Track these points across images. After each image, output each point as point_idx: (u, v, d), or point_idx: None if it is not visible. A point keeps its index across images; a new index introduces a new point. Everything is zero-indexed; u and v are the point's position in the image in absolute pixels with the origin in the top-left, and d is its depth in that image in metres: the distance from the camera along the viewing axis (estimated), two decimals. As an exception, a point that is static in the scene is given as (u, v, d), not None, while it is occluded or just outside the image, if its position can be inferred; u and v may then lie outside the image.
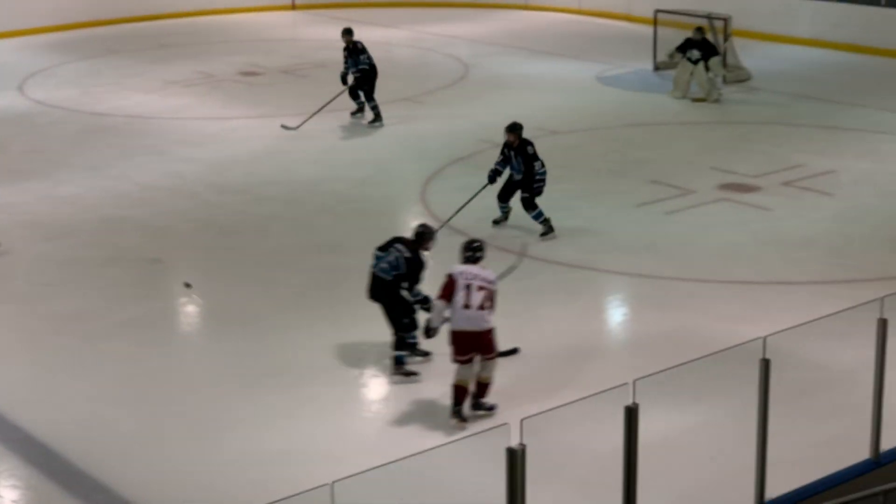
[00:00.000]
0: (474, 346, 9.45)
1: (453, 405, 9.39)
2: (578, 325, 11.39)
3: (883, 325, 7.72)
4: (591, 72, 22.73)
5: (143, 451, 9.22)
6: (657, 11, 23.32)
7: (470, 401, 9.39)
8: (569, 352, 10.74)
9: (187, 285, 12.40)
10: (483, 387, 9.38)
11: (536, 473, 6.07)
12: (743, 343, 7.44)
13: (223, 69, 23.67)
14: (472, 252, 9.96)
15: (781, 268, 12.79)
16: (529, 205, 13.75)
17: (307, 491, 5.70)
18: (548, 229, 13.72)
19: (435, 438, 8.68)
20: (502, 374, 10.22)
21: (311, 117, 18.73)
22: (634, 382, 6.37)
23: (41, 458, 9.15)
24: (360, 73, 18.99)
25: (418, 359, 10.53)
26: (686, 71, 20.53)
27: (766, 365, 7.21)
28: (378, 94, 19.12)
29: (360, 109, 19.55)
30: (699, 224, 14.10)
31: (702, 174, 15.97)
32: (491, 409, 9.42)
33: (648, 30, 23.68)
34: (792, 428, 8.84)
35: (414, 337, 10.43)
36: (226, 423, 9.58)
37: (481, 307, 9.46)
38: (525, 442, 5.90)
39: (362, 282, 12.47)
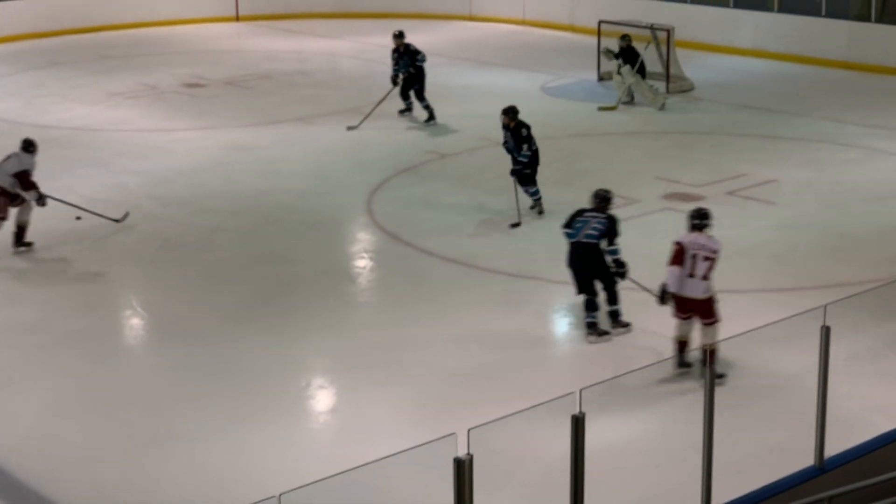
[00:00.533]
0: (694, 309, 10.07)
1: (677, 356, 9.96)
2: (524, 335, 11.40)
3: (826, 332, 7.78)
4: (536, 82, 22.80)
5: (90, 464, 9.14)
6: (601, 22, 23.44)
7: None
8: (515, 361, 10.75)
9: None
10: (711, 354, 9.37)
11: (484, 483, 6.07)
12: (688, 351, 7.48)
13: (167, 81, 23.54)
14: (700, 220, 10.56)
15: (725, 276, 12.81)
16: (527, 180, 14.98)
17: (255, 503, 5.67)
18: (539, 209, 14.97)
19: (383, 449, 8.68)
20: (449, 384, 10.23)
21: (366, 117, 19.33)
22: (581, 391, 6.39)
23: (-16, 474, 9.05)
24: (415, 70, 19.79)
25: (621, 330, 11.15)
26: (619, 81, 20.94)
27: (711, 372, 7.25)
28: (323, 105, 19.09)
29: (408, 109, 20.15)
30: (644, 233, 14.15)
31: (646, 184, 16.06)
32: (721, 377, 9.46)
33: (592, 40, 23.79)
34: (738, 435, 8.89)
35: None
36: (173, 434, 9.51)
37: (704, 277, 10.06)
38: (472, 451, 5.90)
39: (308, 292, 12.47)
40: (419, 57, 19.87)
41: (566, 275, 12.83)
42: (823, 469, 8.03)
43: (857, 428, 8.75)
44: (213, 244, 14.11)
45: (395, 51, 20.15)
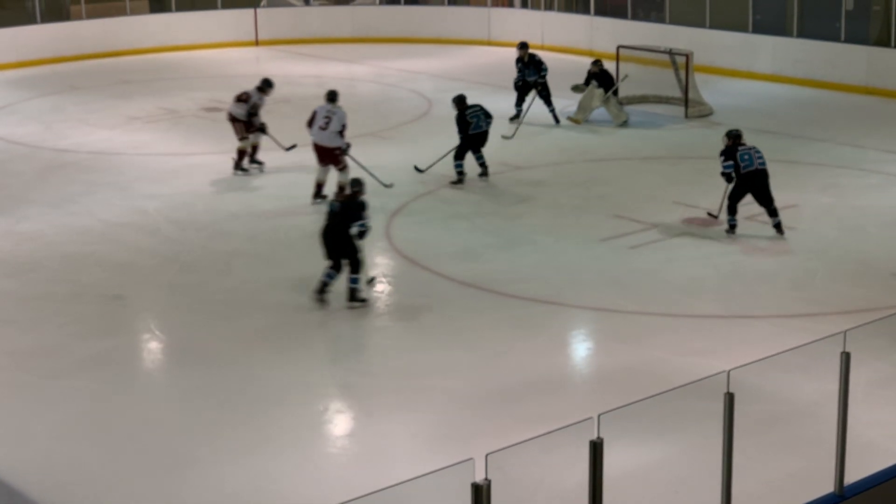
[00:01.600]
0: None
1: None
2: (542, 360, 11.38)
3: (846, 358, 7.74)
4: (555, 107, 22.81)
5: (106, 489, 9.13)
6: (619, 47, 23.47)
7: None
8: (533, 386, 10.73)
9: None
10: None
11: (502, 509, 6.05)
12: (707, 377, 7.44)
13: (186, 105, 23.64)
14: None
15: (744, 302, 12.84)
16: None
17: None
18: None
19: (400, 474, 8.66)
20: (466, 409, 10.21)
21: (519, 126, 20.71)
22: (599, 417, 6.36)
23: (2, 497, 9.04)
24: (541, 80, 21.44)
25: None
26: (590, 98, 21.47)
27: (730, 399, 7.21)
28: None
29: (517, 116, 21.49)
30: (662, 258, 14.14)
31: (665, 209, 16.04)
32: None
33: (611, 65, 23.80)
34: (756, 462, 8.86)
35: None
36: (189, 460, 9.51)
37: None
38: (490, 477, 5.87)
39: (326, 318, 12.46)
40: (543, 67, 21.50)
41: (584, 299, 12.85)
42: (843, 496, 7.98)
43: (877, 455, 8.69)
44: (231, 268, 14.13)
45: (520, 60, 21.70)
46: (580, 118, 21.37)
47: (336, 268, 12.59)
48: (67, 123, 22.09)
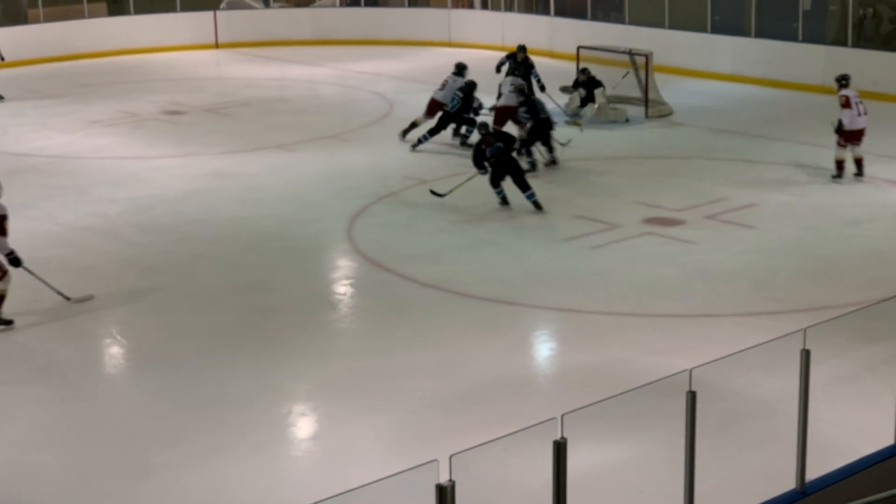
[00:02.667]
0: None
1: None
2: (506, 361, 11.40)
3: (806, 355, 7.80)
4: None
5: (71, 496, 9.08)
6: (579, 48, 23.55)
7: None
8: (497, 387, 10.75)
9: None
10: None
11: (466, 510, 6.07)
12: (669, 376, 7.48)
13: (146, 108, 23.55)
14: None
15: (706, 300, 12.91)
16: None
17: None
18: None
19: (364, 476, 8.66)
20: (430, 410, 10.22)
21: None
22: (562, 417, 6.39)
23: (-37, 505, 8.99)
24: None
25: None
26: (575, 101, 21.73)
27: (692, 397, 7.25)
28: (303, 132, 19.12)
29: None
30: (624, 258, 14.20)
31: (626, 208, 16.11)
32: None
33: (571, 65, 23.90)
34: (719, 459, 8.91)
35: None
36: (153, 465, 9.47)
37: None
38: (454, 478, 5.89)
39: (289, 319, 12.45)
40: (534, 72, 21.79)
41: (547, 299, 12.88)
42: (805, 493, 8.04)
43: (838, 451, 8.76)
44: (194, 272, 14.08)
45: (512, 58, 22.04)
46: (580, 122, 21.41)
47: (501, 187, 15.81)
48: (26, 127, 21.96)
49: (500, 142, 15.98)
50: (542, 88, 21.39)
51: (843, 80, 18.00)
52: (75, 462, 9.58)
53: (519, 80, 19.56)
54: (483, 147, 15.98)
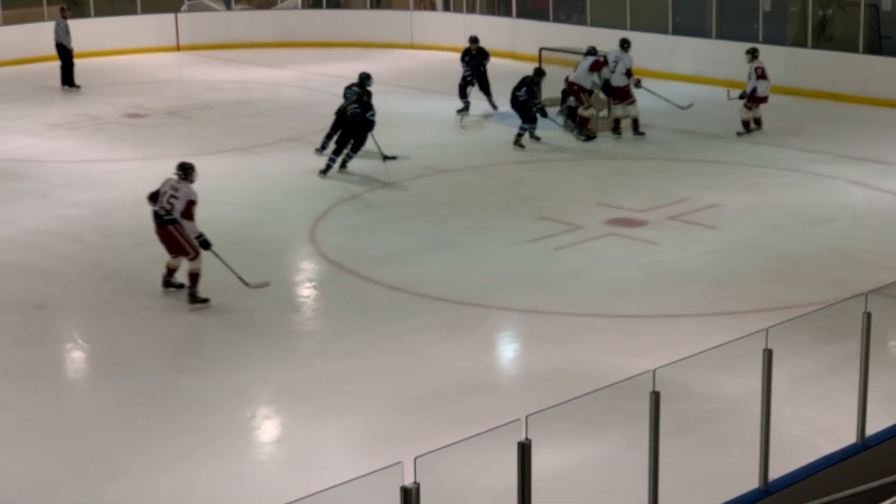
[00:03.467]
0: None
1: None
2: (470, 362, 11.41)
3: (768, 355, 7.85)
4: (479, 109, 22.88)
5: (33, 501, 9.02)
6: (542, 49, 23.60)
7: None
8: (461, 389, 10.76)
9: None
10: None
11: (432, 512, 6.07)
12: (633, 376, 7.51)
13: (108, 111, 23.42)
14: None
15: (669, 301, 12.96)
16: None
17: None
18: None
19: (329, 479, 8.65)
20: (395, 413, 10.22)
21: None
22: (527, 418, 6.40)
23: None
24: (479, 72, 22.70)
25: None
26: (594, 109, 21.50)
27: (656, 397, 7.29)
28: (265, 135, 19.06)
29: (466, 108, 22.52)
30: (588, 259, 14.24)
31: (589, 210, 16.16)
32: None
33: (533, 67, 23.93)
34: (683, 459, 8.94)
35: None
36: (116, 470, 9.42)
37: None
38: (419, 480, 5.89)
39: (253, 323, 12.41)
40: (488, 56, 22.85)
41: (511, 301, 12.90)
42: (768, 492, 8.09)
43: (801, 450, 8.82)
44: (156, 275, 13.98)
45: (468, 53, 22.78)
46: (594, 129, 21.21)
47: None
48: (-14, 131, 21.81)
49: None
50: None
51: (755, 52, 20.64)
52: (38, 467, 9.52)
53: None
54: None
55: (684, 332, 11.93)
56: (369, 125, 18.32)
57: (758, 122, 20.87)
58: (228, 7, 33.12)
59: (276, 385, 11.09)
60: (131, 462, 9.54)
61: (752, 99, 20.64)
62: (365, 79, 18.95)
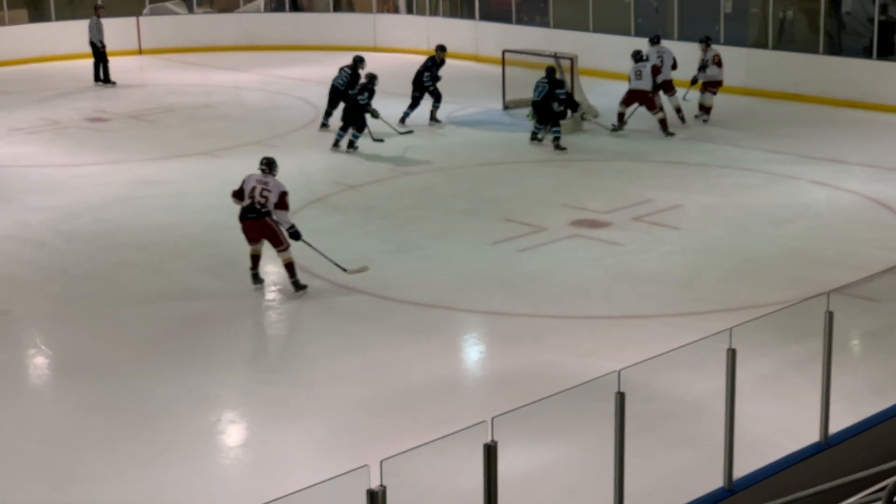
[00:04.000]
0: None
1: None
2: (435, 365, 11.42)
3: (732, 354, 7.89)
4: (442, 112, 22.88)
5: (-5, 507, 8.98)
6: (504, 51, 23.64)
7: None
8: (426, 391, 10.76)
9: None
10: None
11: (398, 514, 6.07)
12: (598, 377, 7.53)
13: (69, 115, 23.29)
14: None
15: (633, 301, 13.01)
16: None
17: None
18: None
19: (296, 482, 8.64)
20: (361, 416, 10.21)
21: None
22: (493, 420, 6.41)
23: None
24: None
25: None
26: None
27: (621, 398, 7.31)
28: (229, 139, 19.02)
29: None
30: (552, 260, 14.27)
31: (553, 211, 16.19)
32: None
33: (497, 69, 23.99)
34: (648, 459, 8.98)
35: None
36: (80, 476, 9.37)
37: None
38: (385, 483, 5.89)
39: (217, 327, 12.37)
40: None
41: (475, 303, 12.92)
42: (732, 490, 8.13)
43: (764, 449, 8.87)
44: (120, 279, 13.96)
45: (439, 64, 22.39)
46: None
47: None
48: (-53, 136, 21.65)
49: None
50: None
51: (709, 41, 21.99)
52: (1, 473, 9.45)
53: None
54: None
55: (648, 332, 11.98)
56: (362, 108, 19.74)
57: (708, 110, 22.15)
58: (191, 10, 32.98)
59: (241, 389, 11.07)
60: (94, 467, 9.50)
61: (716, 84, 21.97)
62: (358, 61, 21.07)
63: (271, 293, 13.67)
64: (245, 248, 14.96)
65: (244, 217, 13.17)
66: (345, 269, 13.46)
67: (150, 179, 18.30)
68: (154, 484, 9.21)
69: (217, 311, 12.83)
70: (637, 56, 21.41)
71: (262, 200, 13.02)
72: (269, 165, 13.29)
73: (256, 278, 13.45)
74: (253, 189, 13.07)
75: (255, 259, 13.42)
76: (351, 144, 19.79)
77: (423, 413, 10.24)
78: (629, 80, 21.28)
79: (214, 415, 10.54)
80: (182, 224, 15.99)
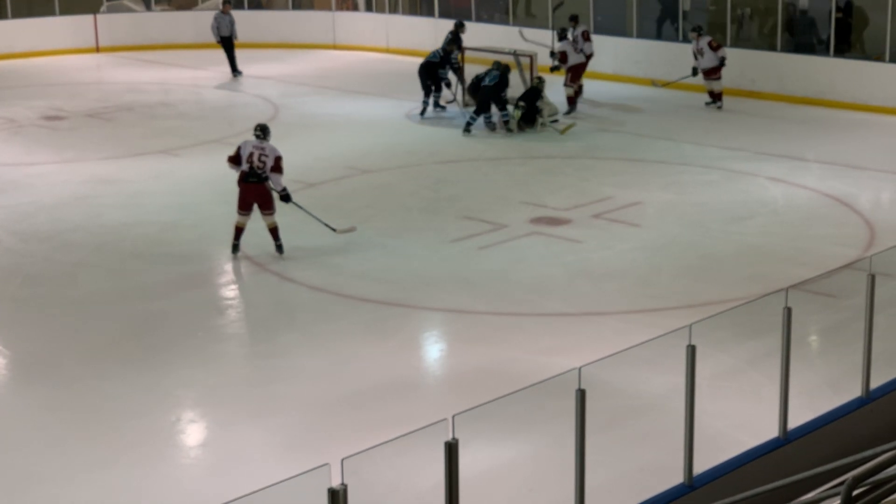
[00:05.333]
0: None
1: None
2: (395, 363, 11.40)
3: (692, 351, 7.92)
4: (401, 110, 22.89)
5: (-49, 510, 8.90)
6: (464, 49, 23.61)
7: None
8: (387, 389, 10.75)
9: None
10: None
11: (359, 513, 6.06)
12: (558, 374, 7.54)
13: (25, 114, 23.09)
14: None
15: (593, 299, 13.04)
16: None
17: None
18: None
19: (256, 482, 8.61)
20: (321, 414, 10.19)
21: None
22: (453, 418, 6.41)
23: None
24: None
25: None
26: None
27: (581, 395, 7.32)
28: (187, 137, 18.91)
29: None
30: (512, 258, 14.28)
31: (513, 209, 16.21)
32: None
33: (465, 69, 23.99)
34: (609, 456, 9.01)
35: None
36: (39, 478, 9.30)
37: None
38: (346, 482, 5.87)
39: (176, 327, 12.31)
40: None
41: (435, 301, 12.92)
42: (692, 486, 8.16)
43: (724, 445, 8.92)
44: (77, 279, 13.86)
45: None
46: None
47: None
48: None
49: None
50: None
51: (700, 29, 22.97)
52: (-43, 476, 9.38)
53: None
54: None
55: (608, 330, 12.01)
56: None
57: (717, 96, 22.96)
58: (148, 8, 32.75)
59: (200, 388, 11.01)
60: (50, 469, 9.42)
61: (715, 70, 22.73)
62: (459, 26, 23.50)
63: (229, 292, 13.62)
64: (206, 243, 14.94)
65: (246, 180, 14.04)
66: (334, 230, 14.48)
67: (107, 178, 18.18)
68: (112, 486, 9.15)
69: (175, 311, 12.76)
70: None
71: (261, 165, 13.94)
72: (263, 131, 14.19)
73: (237, 248, 14.28)
74: (251, 154, 13.96)
75: (240, 231, 14.25)
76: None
77: (383, 411, 10.23)
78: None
79: (174, 415, 10.49)
80: (139, 223, 15.89)
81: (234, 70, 27.42)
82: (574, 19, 23.51)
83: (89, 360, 11.55)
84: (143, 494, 9.02)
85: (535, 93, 21.24)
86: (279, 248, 14.26)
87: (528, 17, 28.12)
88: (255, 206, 14.15)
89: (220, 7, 27.79)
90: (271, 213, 14.19)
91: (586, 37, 23.13)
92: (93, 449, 9.73)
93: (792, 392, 8.77)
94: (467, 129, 20.89)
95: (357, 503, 5.98)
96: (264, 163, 13.96)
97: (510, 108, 21.10)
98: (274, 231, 14.25)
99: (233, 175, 14.34)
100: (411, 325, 12.48)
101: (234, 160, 14.10)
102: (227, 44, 27.42)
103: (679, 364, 8.00)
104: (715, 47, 22.59)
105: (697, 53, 22.74)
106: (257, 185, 14.03)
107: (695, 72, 22.90)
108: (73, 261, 14.47)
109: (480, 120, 20.93)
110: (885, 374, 9.73)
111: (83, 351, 11.79)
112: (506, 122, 20.95)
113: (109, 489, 9.09)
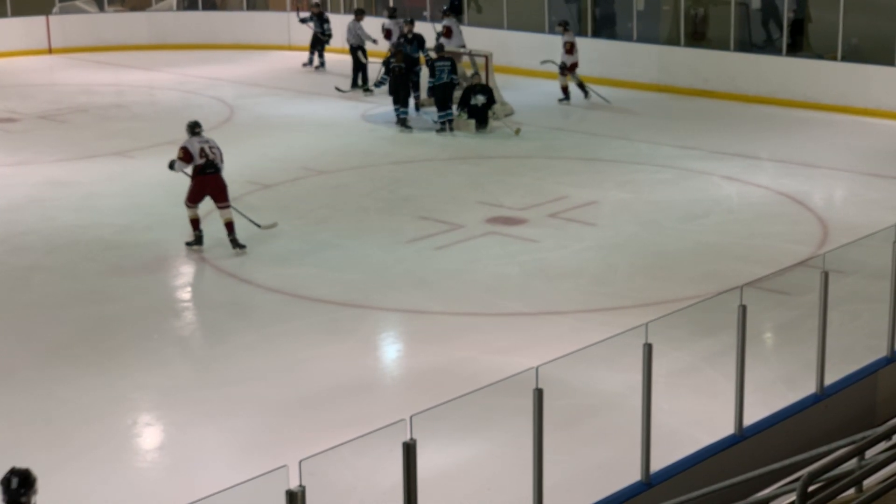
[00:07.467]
0: None
1: None
2: (352, 363, 11.39)
3: (648, 349, 7.96)
4: (356, 111, 22.87)
5: None
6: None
7: None
8: (344, 390, 10.73)
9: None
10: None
11: (317, 515, 6.04)
12: (516, 374, 7.55)
13: (-23, 116, 22.91)
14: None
15: (549, 298, 13.07)
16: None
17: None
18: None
19: (214, 484, 8.57)
20: (278, 416, 10.16)
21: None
22: (411, 418, 6.41)
23: None
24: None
25: None
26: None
27: (539, 394, 7.34)
28: (141, 139, 18.82)
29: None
30: (468, 258, 14.30)
31: (469, 209, 16.22)
32: None
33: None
34: (566, 454, 9.03)
35: None
36: (-8, 482, 9.21)
37: None
38: (304, 483, 5.86)
39: (131, 329, 12.23)
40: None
41: (391, 301, 12.92)
42: (650, 484, 8.20)
43: (681, 442, 8.96)
44: (30, 283, 13.75)
45: (404, 37, 23.61)
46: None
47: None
48: None
49: None
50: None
51: (567, 25, 23.69)
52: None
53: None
54: None
55: (564, 329, 12.04)
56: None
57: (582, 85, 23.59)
58: (102, 9, 32.53)
59: (156, 391, 10.95)
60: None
61: (571, 68, 23.47)
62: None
63: (185, 294, 13.56)
64: (161, 245, 14.88)
65: (203, 172, 14.25)
66: (258, 225, 14.71)
67: (60, 181, 18.05)
68: (68, 489, 9.06)
69: (129, 313, 12.69)
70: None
71: (213, 156, 14.27)
72: (199, 126, 14.46)
73: (202, 239, 14.48)
74: (202, 150, 14.22)
75: (197, 223, 14.48)
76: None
77: (340, 412, 10.21)
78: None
79: (130, 418, 10.43)
80: (93, 226, 15.78)
81: (366, 82, 25.40)
82: (565, 25, 23.73)
83: (43, 364, 11.46)
84: (100, 498, 8.96)
85: (484, 90, 21.23)
86: (234, 242, 14.31)
87: (482, 18, 28.13)
88: (205, 200, 14.38)
89: (353, 16, 26.58)
90: (227, 206, 14.34)
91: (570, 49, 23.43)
92: (47, 454, 9.64)
93: (747, 389, 8.83)
94: (442, 127, 21.00)
95: (315, 504, 5.97)
96: (216, 154, 14.28)
97: (454, 108, 21.12)
98: (229, 225, 14.35)
99: (188, 177, 14.31)
100: (368, 326, 12.47)
101: (187, 158, 14.25)
102: (364, 54, 25.87)
103: (636, 362, 8.03)
104: (568, 49, 23.29)
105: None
106: (215, 175, 14.29)
107: (555, 63, 23.47)
108: (26, 264, 14.36)
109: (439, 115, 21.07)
110: (839, 370, 9.82)
111: (37, 354, 11.69)
112: (449, 122, 20.99)
113: (64, 494, 9.01)
